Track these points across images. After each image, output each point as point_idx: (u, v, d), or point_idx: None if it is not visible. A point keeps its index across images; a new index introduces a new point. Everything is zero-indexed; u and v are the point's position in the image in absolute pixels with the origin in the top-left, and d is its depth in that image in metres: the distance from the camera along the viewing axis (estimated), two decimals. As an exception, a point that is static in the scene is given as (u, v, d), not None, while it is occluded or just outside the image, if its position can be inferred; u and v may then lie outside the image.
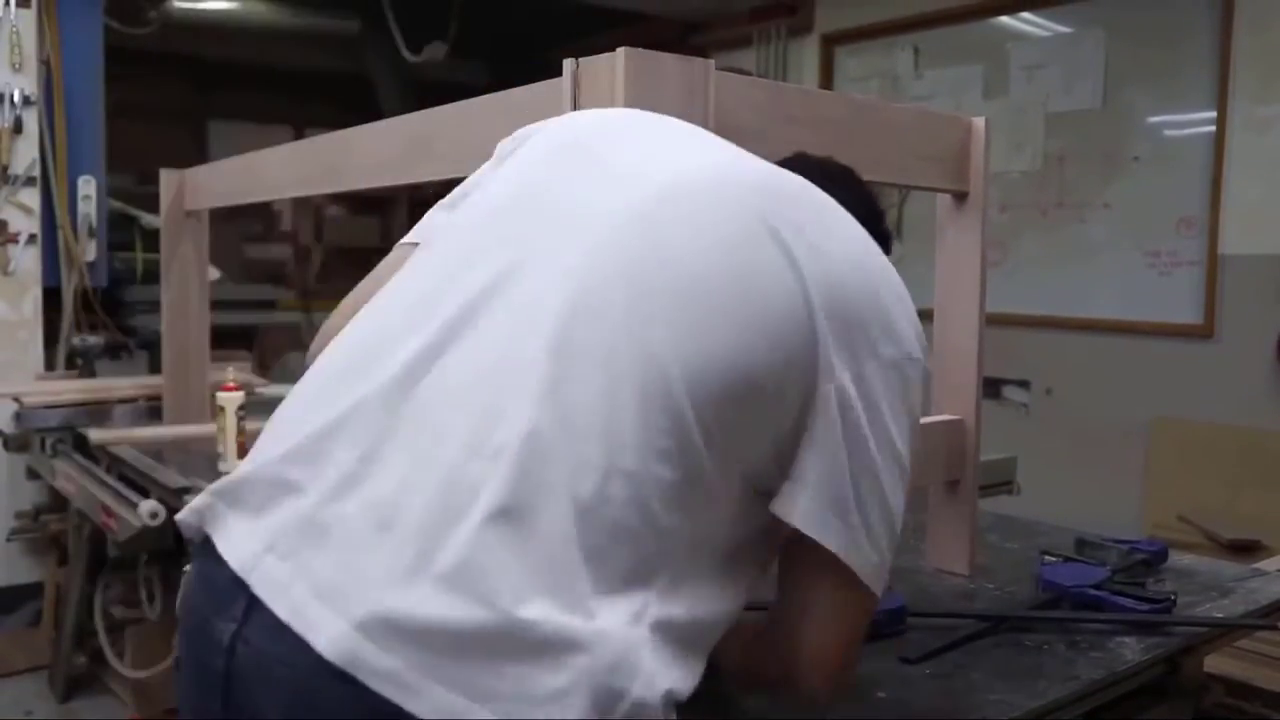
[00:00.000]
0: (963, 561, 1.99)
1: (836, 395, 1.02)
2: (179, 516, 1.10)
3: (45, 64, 4.37)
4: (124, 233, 4.81)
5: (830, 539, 1.03)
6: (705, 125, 1.52)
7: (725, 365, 0.99)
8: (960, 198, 1.99)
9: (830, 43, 5.86)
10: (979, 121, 1.96)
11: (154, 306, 3.65)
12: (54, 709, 3.84)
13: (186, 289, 3.42)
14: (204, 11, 6.57)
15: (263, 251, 7.63)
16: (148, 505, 2.62)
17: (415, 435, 0.99)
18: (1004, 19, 5.12)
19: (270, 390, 4.26)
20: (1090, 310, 4.75)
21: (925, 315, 2.07)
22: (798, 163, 1.32)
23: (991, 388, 4.90)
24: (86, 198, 4.46)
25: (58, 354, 4.41)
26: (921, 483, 2.03)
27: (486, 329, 1.02)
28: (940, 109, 4.79)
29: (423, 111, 2.03)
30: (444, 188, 1.40)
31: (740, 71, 1.66)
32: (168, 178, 3.38)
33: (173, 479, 2.72)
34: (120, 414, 3.73)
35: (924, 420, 1.98)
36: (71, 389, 3.95)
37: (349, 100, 6.96)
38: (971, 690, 1.47)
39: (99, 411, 3.72)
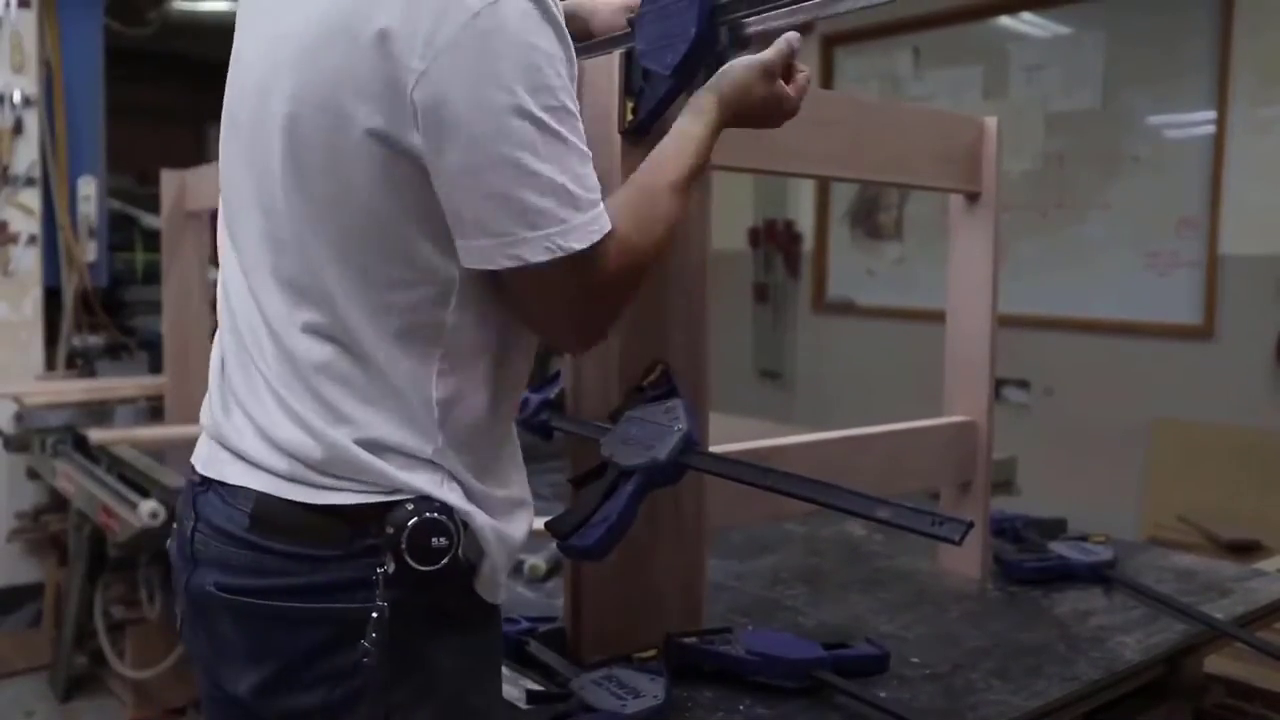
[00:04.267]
0: (975, 563, 1.99)
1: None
2: None
3: (46, 64, 4.37)
4: (124, 233, 4.81)
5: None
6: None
7: None
8: (972, 198, 1.99)
9: (830, 43, 5.86)
10: (991, 121, 1.97)
11: (154, 307, 3.66)
12: (54, 709, 3.84)
13: (188, 289, 3.42)
14: (204, 12, 6.56)
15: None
16: (148, 505, 2.62)
17: None
18: (1004, 20, 5.12)
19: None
20: (1090, 311, 4.75)
21: (935, 316, 2.08)
22: None
23: (991, 388, 4.90)
24: (87, 198, 4.46)
25: (58, 354, 4.41)
26: (934, 485, 2.04)
27: None
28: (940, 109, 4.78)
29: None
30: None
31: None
32: (170, 178, 3.38)
33: (173, 479, 2.72)
34: (121, 414, 3.73)
35: (935, 422, 2.00)
36: (72, 389, 3.95)
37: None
38: (970, 690, 1.47)
39: (99, 412, 3.72)
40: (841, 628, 1.71)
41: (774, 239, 6.11)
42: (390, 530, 1.09)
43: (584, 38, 1.46)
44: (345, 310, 1.10)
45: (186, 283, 3.42)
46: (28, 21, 4.26)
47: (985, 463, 2.01)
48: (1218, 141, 4.34)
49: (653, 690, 1.35)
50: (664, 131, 1.45)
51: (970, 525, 1.10)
